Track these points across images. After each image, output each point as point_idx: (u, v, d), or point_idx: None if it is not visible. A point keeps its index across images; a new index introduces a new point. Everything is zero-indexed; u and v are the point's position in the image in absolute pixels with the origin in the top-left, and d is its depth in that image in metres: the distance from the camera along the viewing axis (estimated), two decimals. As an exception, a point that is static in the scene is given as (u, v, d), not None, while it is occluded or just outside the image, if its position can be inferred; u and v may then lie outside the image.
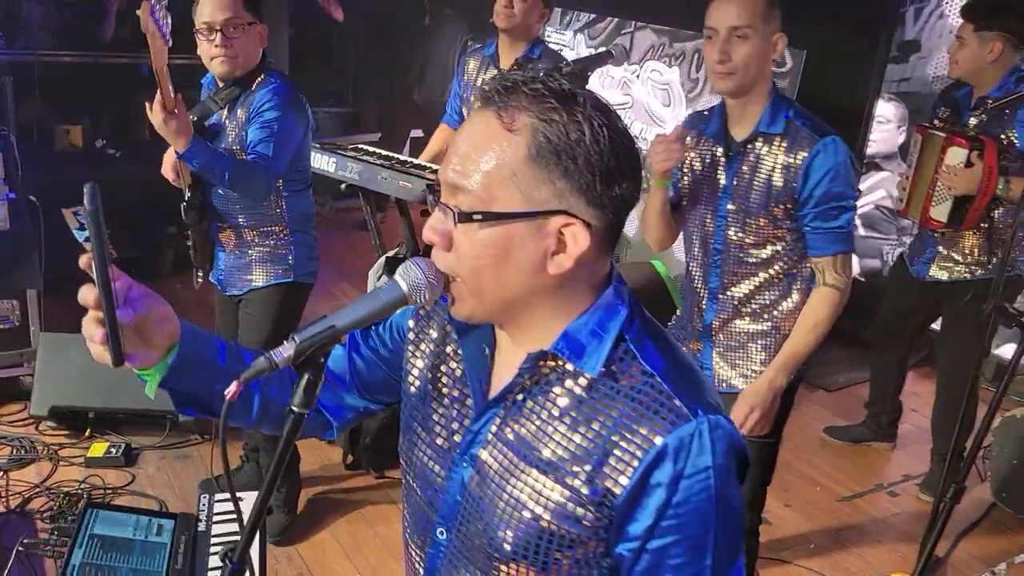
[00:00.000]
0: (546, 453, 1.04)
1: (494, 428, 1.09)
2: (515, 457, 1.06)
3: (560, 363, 1.05)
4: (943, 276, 3.38)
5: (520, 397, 1.08)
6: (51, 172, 4.72)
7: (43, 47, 5.64)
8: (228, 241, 2.83)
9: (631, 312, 1.07)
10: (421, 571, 1.18)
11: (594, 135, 0.98)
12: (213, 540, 1.51)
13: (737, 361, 2.40)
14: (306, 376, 1.01)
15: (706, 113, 2.39)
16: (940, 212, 3.20)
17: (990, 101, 3.17)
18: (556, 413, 1.05)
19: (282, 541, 2.99)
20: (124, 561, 1.39)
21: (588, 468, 1.01)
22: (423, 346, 1.21)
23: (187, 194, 2.72)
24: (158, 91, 2.33)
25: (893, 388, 3.88)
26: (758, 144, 2.23)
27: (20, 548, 1.51)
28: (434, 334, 1.20)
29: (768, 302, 2.34)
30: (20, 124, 5.26)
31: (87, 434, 3.53)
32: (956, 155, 3.10)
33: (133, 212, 4.94)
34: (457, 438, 1.13)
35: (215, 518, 1.57)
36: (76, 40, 5.92)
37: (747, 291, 2.33)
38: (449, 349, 1.18)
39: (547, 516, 1.03)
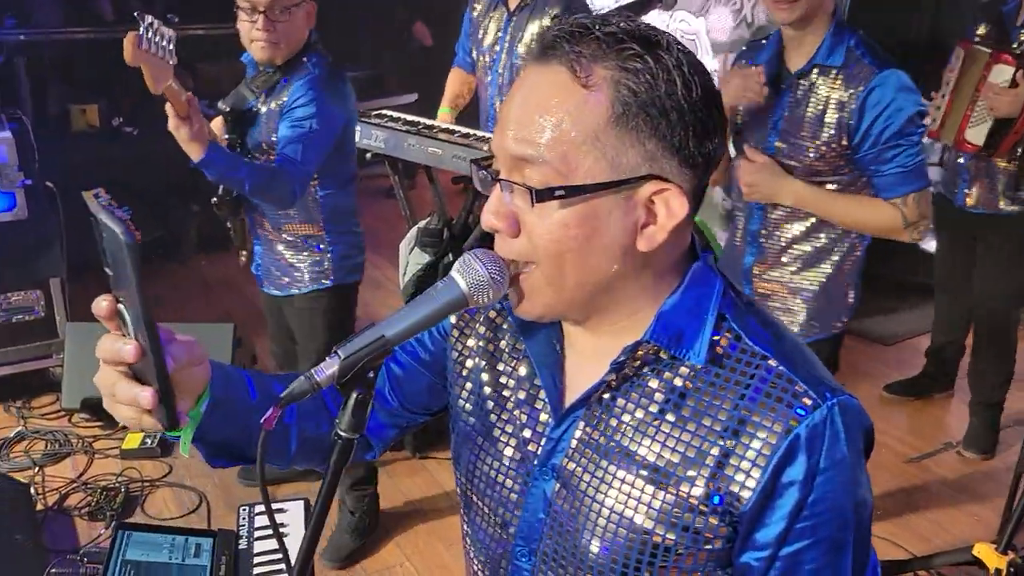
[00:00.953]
0: (649, 457, 0.89)
1: (578, 433, 0.94)
2: (608, 464, 0.91)
3: (652, 353, 0.89)
4: (977, 206, 3.17)
5: (607, 395, 0.92)
6: (68, 154, 4.60)
7: (54, 25, 5.50)
8: (264, 236, 2.62)
9: (725, 285, 0.92)
10: None
11: (686, 84, 0.83)
12: (256, 559, 1.38)
13: (777, 314, 2.21)
14: (354, 395, 0.85)
15: (763, 42, 2.22)
16: (977, 134, 2.97)
17: None
18: (655, 410, 0.90)
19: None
20: (161, 591, 1.25)
21: (705, 471, 0.87)
22: (470, 343, 1.05)
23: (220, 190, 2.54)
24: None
25: (959, 331, 3.66)
26: (813, 76, 2.05)
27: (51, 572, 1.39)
28: (481, 329, 1.04)
29: (815, 253, 2.16)
30: (35, 105, 5.14)
31: (121, 425, 3.41)
32: (1001, 73, 2.88)
33: (154, 191, 4.83)
34: (532, 447, 0.97)
35: (256, 533, 1.44)
36: (87, 17, 5.77)
37: (790, 237, 2.17)
38: (504, 345, 1.02)
39: (657, 528, 0.89)
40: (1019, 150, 2.98)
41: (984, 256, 3.28)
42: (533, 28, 3.02)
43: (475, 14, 3.29)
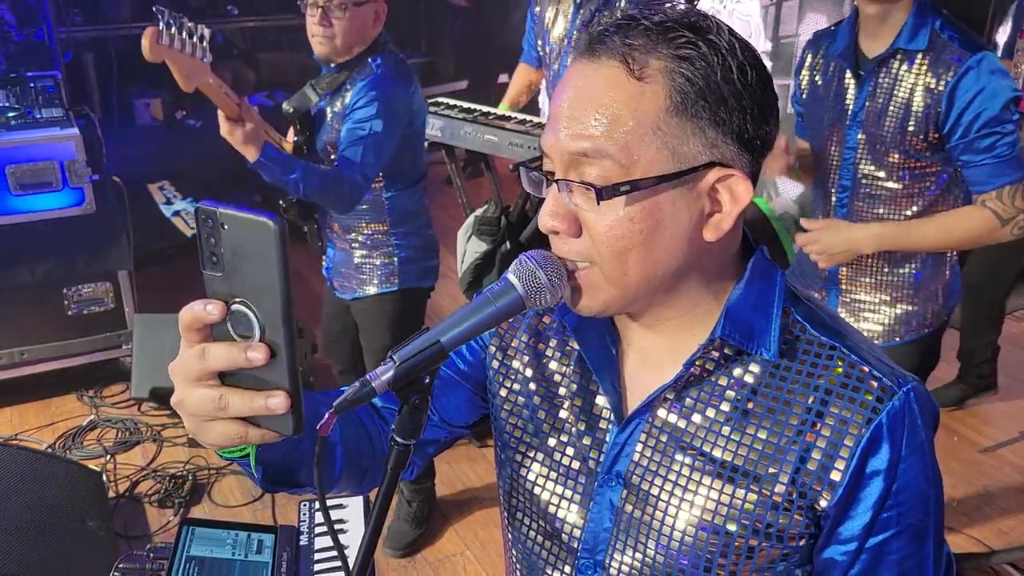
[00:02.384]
0: (725, 456, 0.87)
1: (644, 437, 0.91)
2: (680, 467, 0.89)
3: (723, 349, 0.87)
4: None
5: (671, 396, 0.90)
6: (133, 147, 4.71)
7: (119, 20, 5.62)
8: (335, 236, 2.60)
9: (784, 278, 0.90)
10: None
11: (740, 67, 0.80)
12: (317, 555, 1.38)
13: (866, 314, 2.13)
14: (412, 400, 0.83)
15: (832, 28, 2.11)
16: None
17: None
18: (727, 408, 0.88)
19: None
20: (224, 587, 1.26)
21: (788, 468, 0.85)
22: (512, 347, 1.02)
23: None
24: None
25: (993, 332, 3.50)
26: (895, 62, 1.93)
27: (116, 573, 1.41)
28: (524, 336, 1.01)
29: (903, 255, 2.05)
30: (101, 100, 5.27)
31: (188, 413, 3.50)
32: None
33: (219, 183, 4.90)
34: (593, 454, 0.95)
35: (317, 530, 1.44)
36: (151, 12, 5.89)
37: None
38: (551, 351, 0.99)
39: (739, 530, 0.86)
40: None
41: None
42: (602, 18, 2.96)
43: (537, 8, 3.24)
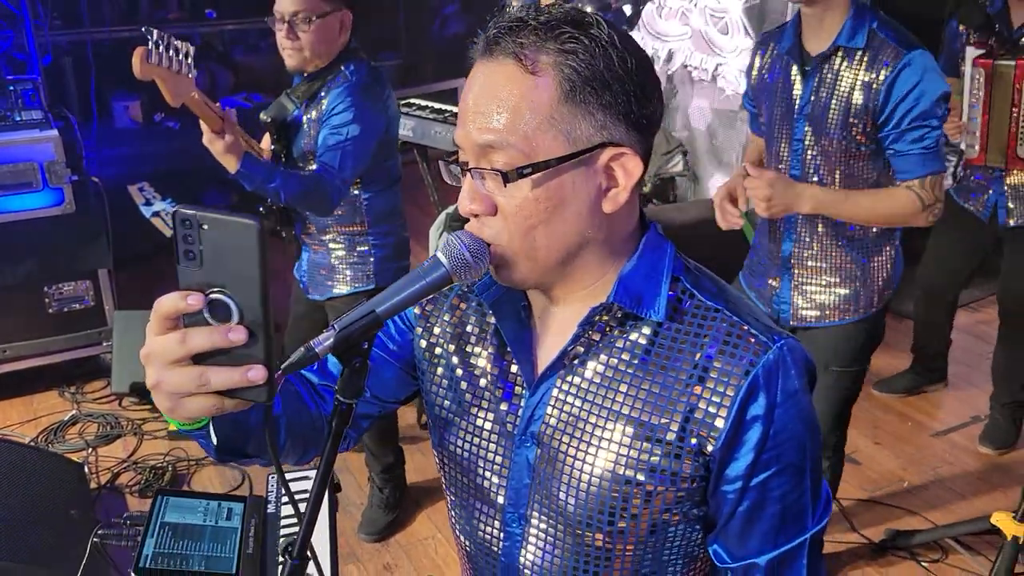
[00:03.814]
0: (624, 411, 0.97)
1: (553, 399, 1.02)
2: (584, 423, 0.99)
3: (617, 315, 0.98)
4: (1019, 222, 3.06)
5: (576, 360, 1.00)
6: (113, 149, 4.79)
7: (98, 24, 5.70)
8: (311, 239, 2.67)
9: (674, 249, 1.02)
10: (496, 569, 1.10)
11: (620, 56, 0.91)
12: (283, 522, 1.49)
13: (816, 296, 2.27)
14: (353, 363, 0.94)
15: (778, 29, 2.26)
16: None
17: None
18: (623, 367, 0.98)
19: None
20: (196, 548, 1.38)
21: (678, 417, 0.95)
22: (436, 330, 1.12)
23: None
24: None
25: (944, 328, 3.64)
26: (837, 59, 2.07)
27: (95, 539, 1.52)
28: (446, 316, 1.12)
29: (850, 232, 2.20)
30: (80, 103, 5.35)
31: (168, 407, 3.58)
32: None
33: (196, 183, 4.98)
34: (510, 418, 1.05)
35: (283, 500, 1.55)
36: (128, 15, 5.97)
37: (829, 223, 2.19)
38: (470, 328, 1.10)
39: (638, 476, 0.97)
40: None
41: (1016, 261, 3.19)
42: None
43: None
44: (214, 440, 0.96)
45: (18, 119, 3.57)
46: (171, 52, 2.01)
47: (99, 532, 1.50)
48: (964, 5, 3.10)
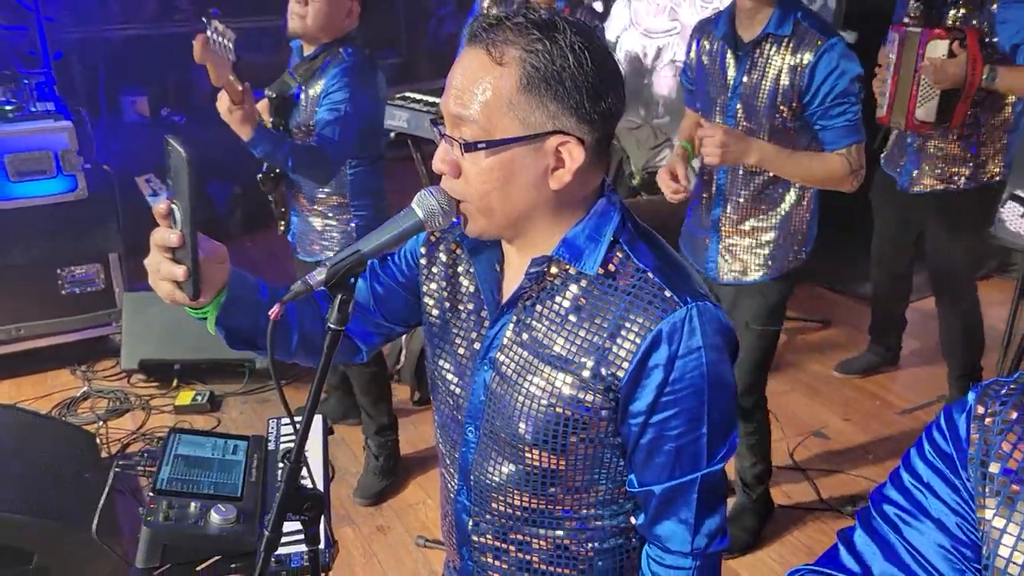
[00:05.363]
0: (556, 349, 1.15)
1: (509, 332, 1.20)
2: (529, 356, 1.17)
3: (563, 268, 1.15)
4: (928, 187, 3.25)
5: (530, 302, 1.18)
6: (122, 141, 4.97)
7: (105, 22, 5.89)
8: (299, 206, 2.92)
9: (623, 217, 1.17)
10: (455, 470, 1.31)
11: (577, 59, 1.06)
12: (281, 458, 1.68)
13: (741, 255, 2.55)
14: (339, 296, 1.14)
15: (713, 17, 2.51)
16: (927, 112, 3.02)
17: None
18: (562, 313, 1.15)
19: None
20: (205, 476, 1.56)
21: (594, 358, 1.12)
22: (435, 270, 1.31)
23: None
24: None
25: (899, 305, 3.81)
26: (766, 45, 2.32)
27: (117, 468, 1.71)
28: (444, 258, 1.31)
29: (772, 199, 2.47)
30: (91, 98, 5.54)
31: (174, 384, 3.79)
32: (937, 48, 2.92)
33: (201, 174, 5.17)
34: (476, 346, 1.24)
35: (282, 439, 1.74)
36: (135, 13, 6.15)
37: (752, 189, 2.47)
38: (460, 269, 1.29)
39: (561, 405, 1.15)
40: (967, 131, 3.06)
41: (943, 237, 3.33)
42: None
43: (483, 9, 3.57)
44: (211, 330, 1.25)
45: (33, 109, 3.76)
46: (224, 40, 2.31)
47: (120, 463, 1.69)
48: None
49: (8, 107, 3.75)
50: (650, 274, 1.12)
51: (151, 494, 1.50)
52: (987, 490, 0.76)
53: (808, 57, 2.25)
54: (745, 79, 2.37)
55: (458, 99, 1.10)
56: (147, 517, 1.43)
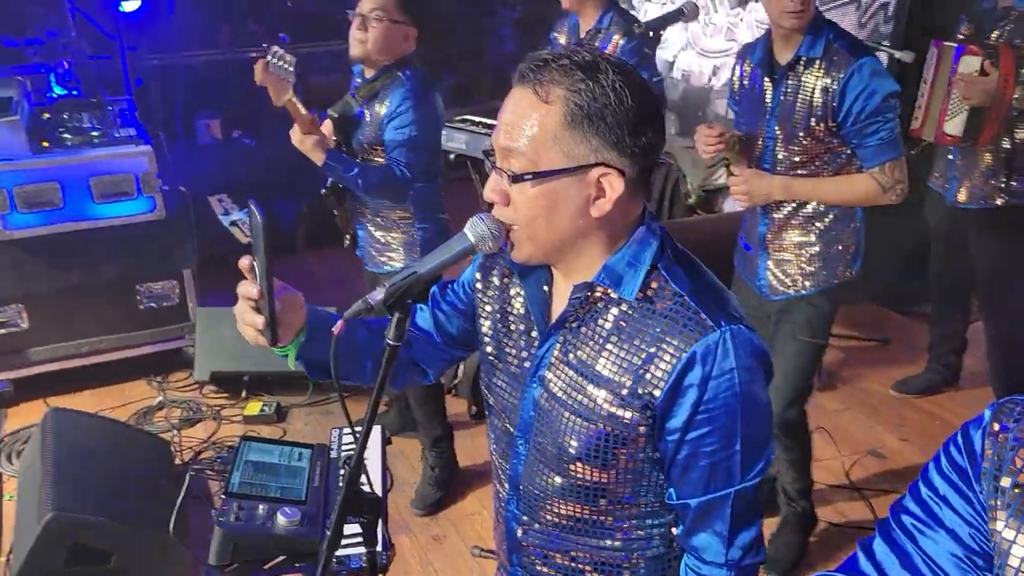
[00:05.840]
0: (598, 368, 1.23)
1: (556, 352, 1.28)
2: (574, 375, 1.25)
3: (605, 293, 1.23)
4: (971, 202, 3.24)
5: (575, 324, 1.26)
6: (196, 162, 5.21)
7: (182, 50, 6.17)
8: (364, 219, 3.06)
9: (662, 244, 1.24)
10: (505, 480, 1.39)
11: (618, 96, 1.15)
12: (342, 464, 1.78)
13: (788, 270, 2.60)
14: (396, 315, 1.24)
15: (753, 43, 2.61)
16: (954, 126, 3.05)
17: (1014, 13, 3.00)
18: (604, 335, 1.23)
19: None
20: (272, 481, 1.68)
21: (633, 378, 1.20)
22: (489, 293, 1.41)
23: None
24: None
25: (958, 324, 3.76)
26: (800, 68, 2.39)
27: (192, 472, 1.83)
28: (496, 282, 1.40)
29: (813, 215, 2.53)
30: (167, 121, 5.82)
31: (243, 395, 3.96)
32: (969, 64, 2.96)
33: (268, 194, 5.38)
34: (527, 365, 1.33)
35: (344, 448, 1.85)
36: (211, 40, 6.43)
37: (794, 205, 2.53)
38: (512, 292, 1.38)
39: (602, 422, 1.22)
40: (1004, 141, 3.05)
41: (979, 250, 3.33)
42: None
43: (555, 35, 3.70)
44: (291, 365, 1.37)
45: (116, 135, 3.98)
46: (283, 63, 2.47)
47: (194, 467, 1.82)
48: (973, 5, 3.29)
49: (94, 133, 3.98)
50: (686, 298, 1.19)
51: (223, 496, 1.62)
52: (999, 503, 0.81)
53: (839, 78, 2.32)
54: (781, 100, 2.44)
55: (508, 134, 1.19)
56: (219, 518, 1.55)
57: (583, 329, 1.26)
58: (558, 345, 1.28)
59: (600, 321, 1.24)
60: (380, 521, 1.45)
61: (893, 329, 4.49)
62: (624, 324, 1.22)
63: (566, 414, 1.26)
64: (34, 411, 3.80)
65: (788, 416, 2.71)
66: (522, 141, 1.17)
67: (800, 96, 2.39)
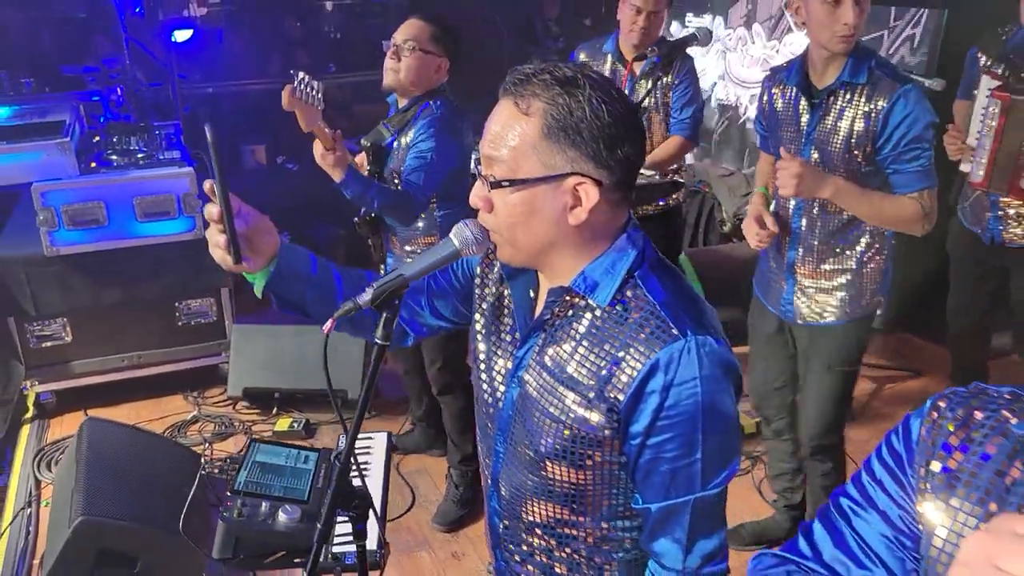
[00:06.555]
0: (570, 371, 1.26)
1: (534, 354, 1.32)
2: (548, 377, 1.29)
3: (582, 298, 1.27)
4: (1014, 241, 3.20)
5: (552, 328, 1.30)
6: (239, 186, 5.36)
7: (230, 79, 6.39)
8: (394, 247, 3.13)
9: (641, 253, 1.28)
10: (488, 477, 1.44)
11: (594, 111, 1.19)
12: (352, 482, 1.84)
13: (818, 297, 2.58)
14: (384, 315, 1.29)
15: (785, 65, 2.58)
16: None
17: None
18: (577, 338, 1.27)
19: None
20: (277, 481, 1.73)
21: (600, 381, 1.23)
22: (487, 290, 1.45)
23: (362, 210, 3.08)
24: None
25: (981, 355, 3.71)
26: (843, 92, 2.38)
27: (203, 472, 1.90)
28: (493, 281, 1.45)
29: (847, 243, 2.50)
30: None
31: (274, 411, 4.05)
32: None
33: (309, 217, 5.52)
34: (509, 364, 1.37)
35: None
36: (260, 70, 6.65)
37: (827, 233, 2.51)
38: (505, 294, 1.42)
39: (572, 423, 1.26)
40: None
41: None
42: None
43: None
44: (258, 293, 1.42)
45: (161, 157, 4.14)
46: (309, 89, 2.54)
47: (205, 468, 1.88)
48: (987, 35, 3.24)
49: (140, 155, 4.14)
50: (658, 307, 1.22)
51: (228, 493, 1.69)
52: (927, 486, 0.84)
53: (883, 103, 2.30)
54: (819, 125, 2.43)
55: (491, 143, 1.25)
56: (223, 513, 1.61)
57: (559, 333, 1.29)
58: (536, 347, 1.32)
59: (575, 325, 1.28)
60: (376, 520, 1.50)
61: (924, 359, 4.43)
62: (596, 329, 1.25)
63: (539, 415, 1.30)
64: (75, 422, 3.90)
65: (826, 443, 2.71)
66: (504, 150, 1.23)
67: (842, 120, 2.38)
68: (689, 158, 6.17)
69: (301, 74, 2.53)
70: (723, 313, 4.26)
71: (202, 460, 3.56)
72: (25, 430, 4.04)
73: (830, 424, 2.69)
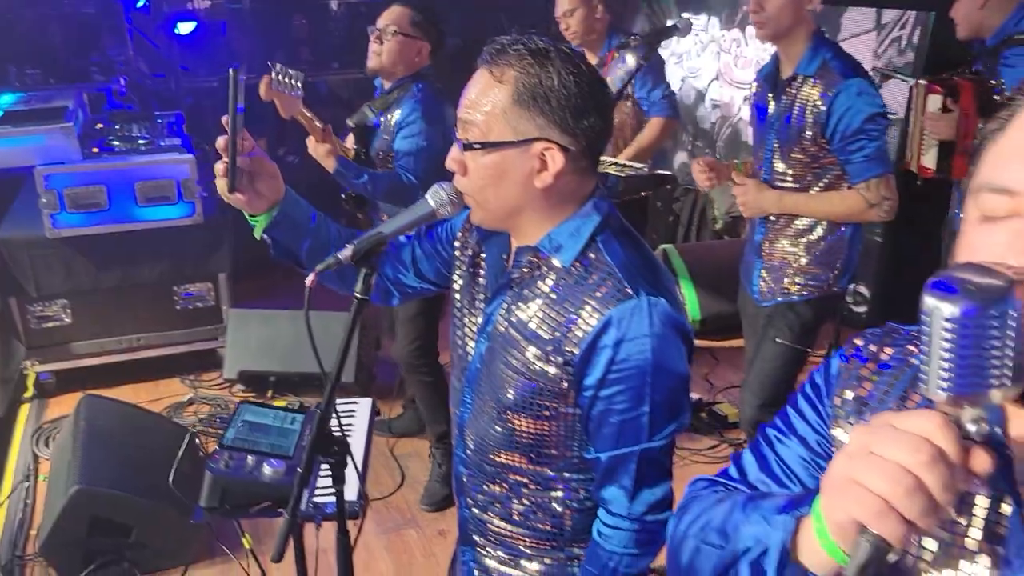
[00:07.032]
0: (532, 326, 1.34)
1: (502, 311, 1.40)
2: (514, 332, 1.37)
3: (547, 259, 1.35)
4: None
5: (519, 286, 1.38)
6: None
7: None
8: (382, 221, 3.24)
9: (605, 219, 1.35)
10: (456, 428, 1.52)
11: (562, 82, 1.27)
12: (332, 430, 1.91)
13: (777, 277, 2.69)
14: (363, 270, 1.37)
15: (768, 58, 2.70)
16: (929, 159, 3.18)
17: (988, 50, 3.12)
18: (541, 296, 1.35)
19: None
20: (264, 438, 1.81)
21: (557, 336, 1.31)
22: (466, 252, 1.53)
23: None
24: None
25: None
26: (796, 83, 2.49)
27: (192, 430, 1.98)
28: (472, 243, 1.53)
29: (804, 227, 2.60)
30: (215, 138, 6.10)
31: (269, 395, 4.11)
32: (933, 102, 3.11)
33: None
34: (480, 320, 1.46)
35: (338, 415, 1.98)
36: (264, 66, 6.73)
37: (787, 216, 2.61)
38: (482, 256, 1.50)
39: (532, 375, 1.34)
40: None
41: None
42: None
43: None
44: (257, 235, 1.52)
45: (162, 144, 4.23)
46: (286, 79, 2.61)
47: (196, 427, 1.96)
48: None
49: (142, 141, 4.23)
50: (615, 268, 1.30)
51: (217, 448, 1.77)
52: (841, 413, 0.92)
53: (829, 95, 2.41)
54: (779, 114, 2.55)
55: (467, 108, 1.33)
56: (211, 464, 1.68)
57: (525, 291, 1.37)
58: (504, 304, 1.40)
59: (540, 284, 1.36)
60: (355, 472, 1.58)
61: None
62: (559, 288, 1.33)
63: (503, 367, 1.38)
64: (73, 402, 3.96)
65: (760, 417, 2.77)
66: (477, 115, 1.31)
67: (794, 110, 2.50)
68: (683, 157, 6.26)
69: (278, 65, 2.60)
70: (713, 306, 4.41)
71: (197, 440, 3.64)
72: (24, 409, 4.12)
73: (764, 399, 2.74)
